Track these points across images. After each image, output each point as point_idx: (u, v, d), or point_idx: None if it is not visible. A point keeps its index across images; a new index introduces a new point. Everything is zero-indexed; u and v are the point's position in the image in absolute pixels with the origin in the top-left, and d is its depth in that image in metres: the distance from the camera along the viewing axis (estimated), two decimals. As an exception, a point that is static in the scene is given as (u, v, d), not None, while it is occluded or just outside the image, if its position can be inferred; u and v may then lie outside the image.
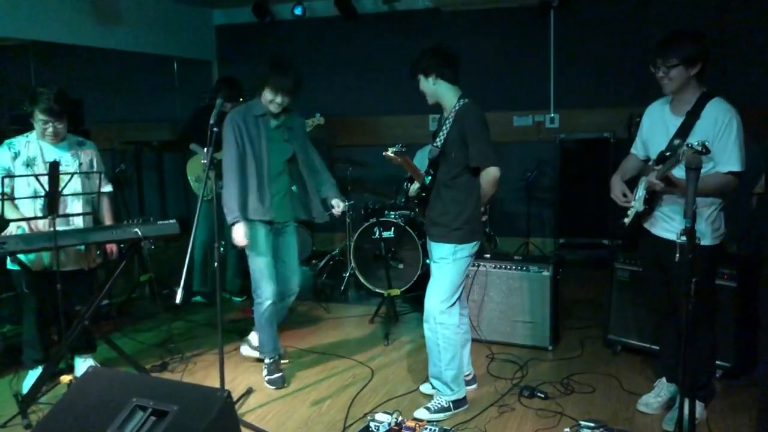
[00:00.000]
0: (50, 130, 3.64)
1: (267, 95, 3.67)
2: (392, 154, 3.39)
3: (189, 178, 5.64)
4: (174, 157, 7.57)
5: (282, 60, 3.78)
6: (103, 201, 3.97)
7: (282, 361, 4.14)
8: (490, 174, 3.29)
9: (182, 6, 7.24)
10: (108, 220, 3.94)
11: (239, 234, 3.64)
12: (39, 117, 3.59)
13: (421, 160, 6.22)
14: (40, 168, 3.62)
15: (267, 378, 3.95)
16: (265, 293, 3.83)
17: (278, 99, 3.67)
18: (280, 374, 3.96)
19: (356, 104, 7.43)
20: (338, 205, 3.94)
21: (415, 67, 3.38)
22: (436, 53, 3.34)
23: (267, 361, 3.99)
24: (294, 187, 3.99)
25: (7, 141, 3.69)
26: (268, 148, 3.76)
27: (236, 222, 3.63)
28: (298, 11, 7.10)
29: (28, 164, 3.65)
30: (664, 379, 3.48)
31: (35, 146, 3.69)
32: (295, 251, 4.04)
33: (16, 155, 3.65)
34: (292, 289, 4.04)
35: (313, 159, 4.01)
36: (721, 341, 3.48)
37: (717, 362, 3.52)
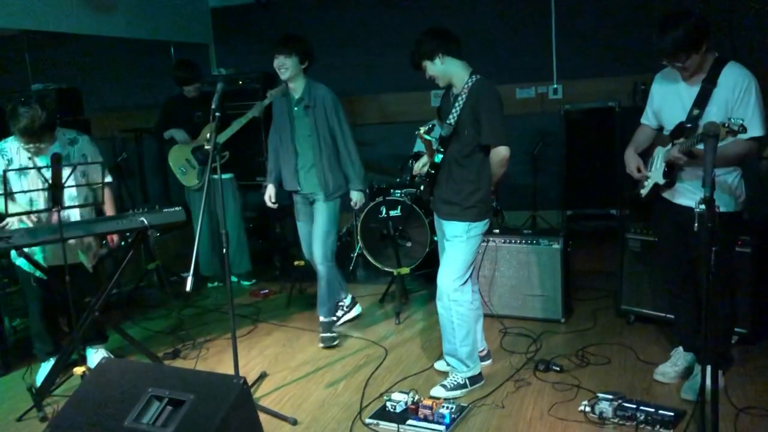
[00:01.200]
0: (32, 150, 3.53)
1: (274, 64, 3.93)
2: (424, 135, 3.32)
3: (173, 169, 5.46)
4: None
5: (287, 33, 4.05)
6: (106, 195, 3.86)
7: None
8: (500, 153, 3.24)
9: (176, -11, 7.13)
10: (110, 211, 3.87)
11: (266, 195, 4.26)
12: (18, 137, 3.48)
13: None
14: (32, 174, 3.55)
15: (320, 336, 4.22)
16: (307, 257, 4.33)
17: (278, 61, 3.91)
18: (333, 335, 4.23)
19: (357, 83, 7.33)
20: (355, 200, 4.18)
21: (418, 55, 3.28)
22: (433, 34, 3.27)
23: (321, 318, 4.25)
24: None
25: None
26: (292, 125, 4.06)
27: (266, 184, 4.29)
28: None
29: (21, 171, 3.57)
30: (680, 348, 3.45)
31: (26, 153, 3.59)
32: (321, 222, 4.13)
33: (9, 162, 3.57)
34: (313, 256, 4.21)
35: (336, 139, 4.07)
36: (737, 308, 3.44)
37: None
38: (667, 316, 3.86)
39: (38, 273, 3.71)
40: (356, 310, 4.66)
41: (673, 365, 3.43)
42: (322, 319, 4.24)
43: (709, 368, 2.44)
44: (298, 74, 3.98)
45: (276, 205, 4.29)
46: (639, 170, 3.23)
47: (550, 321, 4.30)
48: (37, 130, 3.45)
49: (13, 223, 3.57)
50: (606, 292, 4.74)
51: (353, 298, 4.67)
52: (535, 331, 4.18)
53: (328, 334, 4.21)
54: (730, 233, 3.04)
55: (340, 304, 4.54)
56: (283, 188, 4.25)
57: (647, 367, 3.58)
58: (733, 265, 3.29)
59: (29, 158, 3.60)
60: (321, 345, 4.19)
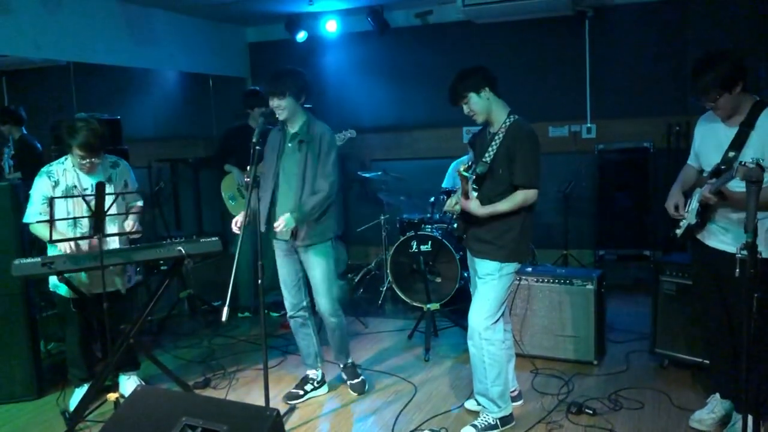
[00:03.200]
0: (87, 165, 3.64)
1: (270, 105, 3.69)
2: (463, 172, 3.25)
3: (224, 196, 5.67)
4: (210, 173, 7.64)
5: (277, 69, 3.73)
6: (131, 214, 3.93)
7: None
8: (528, 195, 3.25)
9: (216, 24, 7.35)
10: (130, 226, 3.83)
11: (234, 219, 3.71)
12: (76, 152, 3.59)
13: (453, 172, 6.19)
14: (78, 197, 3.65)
15: (350, 384, 4.06)
16: (286, 306, 3.96)
17: (274, 103, 3.65)
18: (362, 378, 4.06)
19: (390, 118, 7.43)
20: (280, 222, 3.57)
21: (462, 87, 3.27)
22: (478, 70, 3.30)
23: (343, 364, 4.07)
24: None
25: (45, 169, 3.70)
26: (279, 163, 3.75)
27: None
28: (330, 29, 7.15)
29: (67, 192, 3.66)
30: (717, 395, 3.38)
31: (72, 174, 3.70)
32: (318, 271, 3.78)
33: (56, 184, 3.67)
34: (319, 309, 3.89)
35: (315, 175, 3.69)
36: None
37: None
38: (703, 361, 3.79)
39: (76, 298, 3.77)
40: (324, 389, 4.10)
41: (710, 412, 3.36)
42: (344, 364, 4.09)
43: (750, 418, 2.39)
44: (295, 112, 3.71)
45: (239, 231, 3.57)
46: (677, 209, 3.21)
47: (583, 363, 4.24)
48: (96, 144, 3.58)
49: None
50: (639, 335, 4.66)
51: (323, 374, 4.14)
52: (567, 372, 4.13)
53: (358, 380, 4.05)
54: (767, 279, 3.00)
55: (311, 377, 4.05)
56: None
57: (682, 413, 3.51)
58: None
59: (74, 184, 3.69)
60: (355, 393, 4.03)
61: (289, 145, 3.76)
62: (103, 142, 3.65)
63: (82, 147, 3.55)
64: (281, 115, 3.69)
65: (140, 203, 4.02)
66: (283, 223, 3.56)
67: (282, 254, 3.87)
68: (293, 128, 3.76)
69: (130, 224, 3.81)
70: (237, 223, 3.67)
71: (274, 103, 3.64)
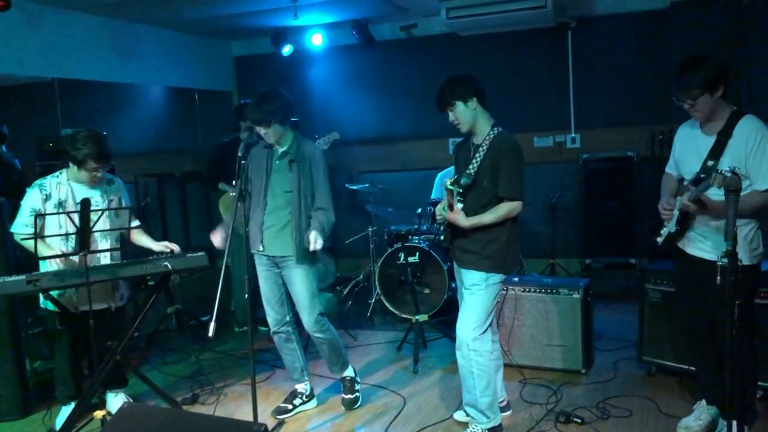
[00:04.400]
0: (98, 175, 3.68)
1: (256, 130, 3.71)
2: (449, 186, 3.27)
3: (223, 216, 5.54)
4: (197, 188, 7.63)
5: (260, 93, 3.69)
6: (135, 234, 3.97)
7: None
8: (513, 207, 3.27)
9: (201, 39, 7.36)
10: (152, 244, 3.89)
11: (215, 236, 3.89)
12: (90, 164, 3.58)
13: (440, 183, 6.22)
14: (71, 209, 3.64)
15: (343, 398, 4.03)
16: (269, 321, 3.93)
17: (261, 130, 3.66)
18: (357, 395, 4.03)
19: (377, 130, 7.46)
20: (312, 241, 3.64)
21: (451, 94, 3.28)
22: (468, 78, 3.32)
23: (341, 376, 4.04)
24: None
25: (37, 182, 3.69)
26: (268, 180, 3.74)
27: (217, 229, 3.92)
28: (314, 44, 7.19)
29: (60, 205, 3.66)
30: (703, 401, 3.40)
31: (66, 188, 3.70)
32: (301, 286, 3.75)
33: (47, 197, 3.65)
34: (305, 326, 3.84)
35: (315, 196, 3.75)
36: (761, 361, 3.40)
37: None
38: (690, 368, 3.81)
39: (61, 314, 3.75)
40: (313, 403, 4.08)
41: (696, 419, 3.38)
42: (342, 376, 4.04)
43: (734, 423, 2.41)
44: (283, 134, 3.71)
45: (222, 247, 3.71)
46: (666, 208, 3.21)
47: (571, 372, 4.25)
48: (108, 153, 3.62)
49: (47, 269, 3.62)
50: (627, 343, 4.69)
51: (312, 388, 4.12)
52: (556, 381, 4.14)
53: (350, 396, 3.99)
54: (748, 285, 3.03)
55: (300, 391, 4.03)
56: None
57: (670, 420, 3.53)
58: (755, 318, 3.27)
59: (65, 198, 3.68)
60: (343, 407, 4.00)
61: (278, 162, 3.75)
62: (111, 152, 3.69)
63: (98, 158, 3.57)
64: (270, 140, 3.69)
65: (137, 222, 4.03)
66: (315, 241, 3.63)
67: (264, 269, 3.86)
68: (282, 146, 3.75)
69: (153, 245, 3.88)
70: (218, 241, 3.81)
71: (261, 131, 3.65)
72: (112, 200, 3.84)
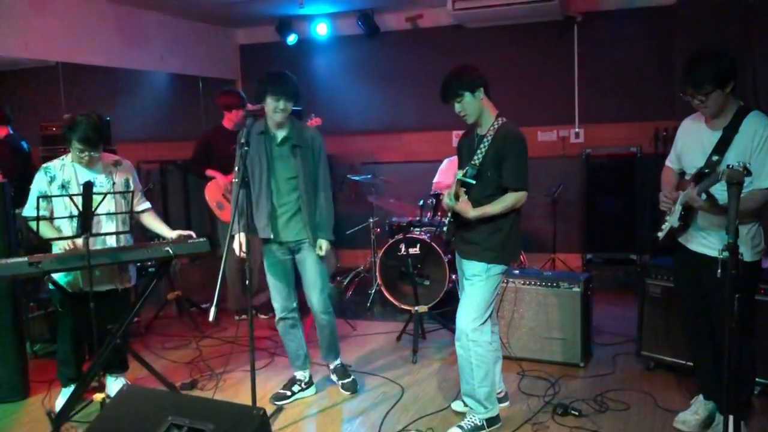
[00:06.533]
0: (86, 158, 3.68)
1: (269, 104, 3.63)
2: (463, 178, 3.26)
3: (210, 204, 5.54)
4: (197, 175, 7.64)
5: (277, 71, 3.72)
6: (145, 217, 4.00)
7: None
8: (518, 197, 3.27)
9: (206, 26, 7.35)
10: (166, 230, 3.92)
11: (235, 245, 3.68)
12: (76, 146, 3.62)
13: (447, 170, 6.22)
14: (74, 190, 3.65)
15: (341, 383, 4.07)
16: (276, 310, 3.92)
17: (280, 104, 3.61)
18: (353, 378, 4.08)
19: (380, 121, 7.46)
20: (324, 249, 3.81)
21: (458, 85, 3.26)
22: (473, 69, 3.30)
23: (333, 364, 4.09)
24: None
25: (44, 166, 3.74)
26: (271, 166, 3.72)
27: (233, 233, 3.62)
28: (318, 33, 7.18)
29: (64, 186, 3.68)
30: (701, 396, 3.41)
31: (70, 169, 3.73)
32: (314, 269, 3.84)
33: (52, 179, 3.69)
34: (312, 306, 3.93)
35: (317, 184, 3.81)
36: (759, 357, 3.40)
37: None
38: (688, 363, 3.82)
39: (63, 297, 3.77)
40: (312, 390, 4.09)
41: (693, 413, 3.39)
42: (334, 364, 4.12)
43: (731, 418, 2.42)
44: (288, 117, 3.74)
45: (245, 255, 3.61)
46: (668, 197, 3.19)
47: (569, 365, 4.26)
48: (94, 138, 3.61)
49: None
50: (626, 337, 4.71)
51: (311, 375, 4.13)
52: (554, 374, 4.15)
53: (349, 380, 4.07)
54: (749, 282, 3.03)
55: (299, 378, 4.05)
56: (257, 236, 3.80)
57: (667, 414, 3.54)
58: (754, 314, 3.27)
59: (69, 180, 3.70)
60: (347, 392, 4.04)
61: (278, 148, 3.73)
62: (102, 136, 3.68)
63: (82, 140, 3.59)
64: (280, 117, 3.65)
65: (147, 205, 4.04)
66: (327, 249, 3.81)
67: (274, 256, 3.85)
68: (282, 132, 3.73)
69: (167, 231, 3.92)
70: (242, 248, 3.67)
71: (280, 105, 3.61)
72: (116, 184, 3.84)
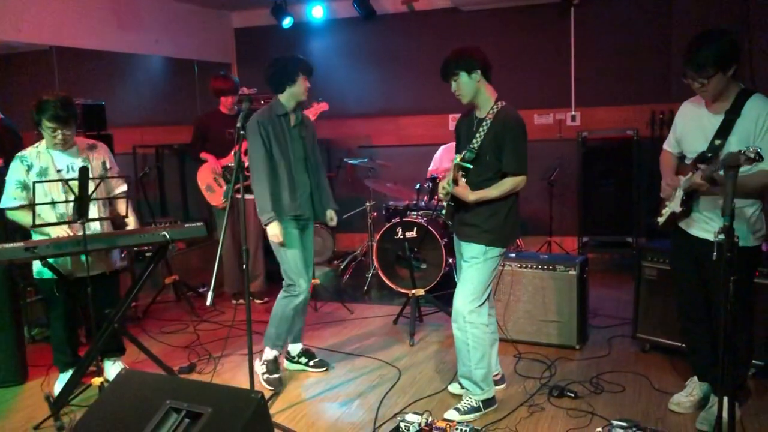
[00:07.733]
0: (59, 137, 3.61)
1: (300, 85, 3.82)
2: (461, 163, 3.28)
3: (201, 187, 5.54)
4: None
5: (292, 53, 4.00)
6: (119, 202, 3.91)
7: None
8: (517, 181, 3.28)
9: (201, 9, 7.29)
10: (132, 222, 3.90)
11: (275, 232, 3.75)
12: (47, 125, 3.57)
13: (442, 158, 6.22)
14: (53, 176, 3.63)
15: (265, 377, 3.96)
16: (301, 287, 3.90)
17: (308, 84, 3.86)
18: (278, 375, 3.98)
19: (376, 104, 7.43)
20: (332, 218, 4.12)
21: (455, 64, 3.27)
22: (474, 51, 3.30)
23: (268, 356, 4.00)
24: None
25: (18, 155, 3.67)
26: (290, 148, 3.87)
27: (271, 221, 3.74)
28: (314, 15, 7.13)
29: (41, 174, 3.63)
30: (695, 378, 3.44)
31: (46, 156, 3.67)
32: (312, 247, 4.13)
33: (29, 167, 3.64)
34: (310, 278, 4.07)
35: (317, 159, 4.08)
36: (754, 339, 3.43)
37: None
38: (683, 345, 3.84)
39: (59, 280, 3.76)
40: (303, 361, 4.25)
41: (688, 395, 3.41)
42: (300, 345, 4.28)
43: (725, 399, 2.43)
44: None
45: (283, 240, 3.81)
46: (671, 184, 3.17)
47: (565, 347, 4.29)
48: (64, 115, 3.56)
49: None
50: (621, 320, 4.73)
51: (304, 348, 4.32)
52: (550, 356, 4.17)
53: (317, 359, 4.25)
54: (748, 266, 3.04)
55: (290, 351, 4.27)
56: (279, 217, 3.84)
57: (662, 396, 3.57)
58: (751, 296, 3.29)
59: (47, 166, 3.66)
60: (319, 370, 4.18)
61: (294, 130, 3.91)
62: (72, 113, 3.62)
63: (53, 119, 3.54)
64: (303, 96, 3.87)
65: (124, 188, 4.00)
66: (334, 219, 4.13)
67: (296, 233, 3.91)
68: (296, 115, 3.92)
69: (132, 221, 3.88)
70: (279, 237, 3.77)
71: (308, 84, 3.88)
72: (94, 167, 3.78)
